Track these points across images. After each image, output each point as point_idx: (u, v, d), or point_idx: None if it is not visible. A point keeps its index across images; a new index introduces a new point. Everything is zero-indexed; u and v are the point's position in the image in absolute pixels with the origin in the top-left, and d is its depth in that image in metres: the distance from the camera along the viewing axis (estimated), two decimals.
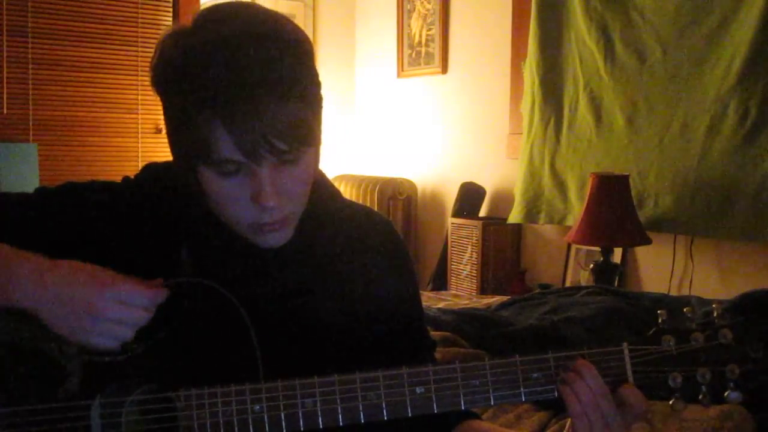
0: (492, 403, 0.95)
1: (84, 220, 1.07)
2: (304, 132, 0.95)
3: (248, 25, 0.94)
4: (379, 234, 1.16)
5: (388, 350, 1.12)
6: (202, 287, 0.99)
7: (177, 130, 0.98)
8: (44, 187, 1.11)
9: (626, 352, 0.96)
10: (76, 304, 0.93)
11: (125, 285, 0.94)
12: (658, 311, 0.98)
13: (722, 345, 0.94)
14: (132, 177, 1.14)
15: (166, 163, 1.13)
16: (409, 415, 0.95)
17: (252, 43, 0.92)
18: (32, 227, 1.06)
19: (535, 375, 0.96)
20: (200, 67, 0.92)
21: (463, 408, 0.96)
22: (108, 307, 0.93)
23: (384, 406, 0.95)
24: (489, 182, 4.02)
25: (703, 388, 0.94)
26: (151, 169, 1.14)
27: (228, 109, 0.90)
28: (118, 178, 1.17)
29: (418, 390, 0.95)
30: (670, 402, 0.95)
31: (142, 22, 4.27)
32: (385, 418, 0.95)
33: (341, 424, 0.94)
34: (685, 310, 0.96)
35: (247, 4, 1.00)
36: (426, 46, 4.42)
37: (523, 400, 0.96)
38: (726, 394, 0.94)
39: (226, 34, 0.92)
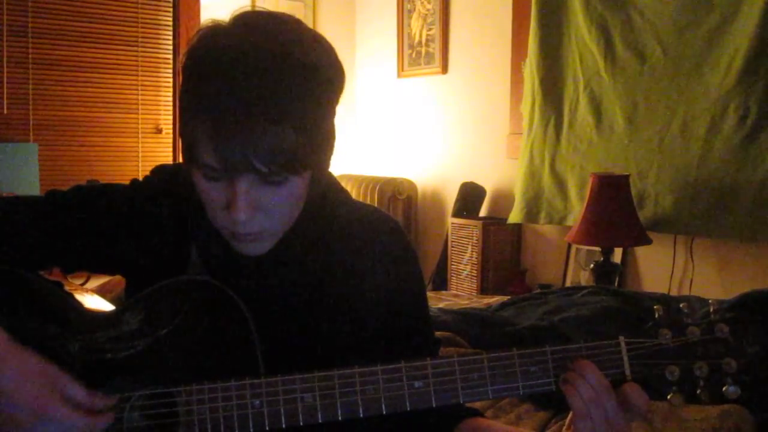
0: (490, 396, 0.96)
1: (95, 222, 1.08)
2: (291, 159, 0.92)
3: (270, 41, 0.93)
4: (386, 234, 1.16)
5: (392, 349, 1.12)
6: (205, 285, 1.00)
7: (180, 126, 0.98)
8: (55, 190, 1.12)
9: (623, 345, 0.97)
10: (18, 415, 0.90)
11: (63, 411, 0.91)
12: (654, 306, 0.98)
13: (718, 339, 0.95)
14: (140, 179, 1.14)
15: (174, 165, 1.15)
16: (408, 409, 0.95)
17: (262, 61, 0.91)
18: (44, 230, 1.07)
19: (532, 368, 0.96)
20: (204, 74, 0.92)
21: (461, 401, 0.96)
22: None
23: (383, 400, 0.95)
24: (489, 182, 4.02)
25: (701, 381, 0.94)
26: (160, 171, 1.15)
27: (215, 121, 0.90)
28: (118, 178, 1.18)
29: (417, 384, 0.95)
30: (668, 396, 0.95)
31: (142, 22, 4.28)
32: (384, 412, 0.95)
33: (340, 418, 0.95)
34: (681, 305, 0.96)
35: (287, 19, 0.98)
36: (426, 46, 4.43)
37: (521, 393, 0.96)
38: (724, 388, 0.94)
39: (241, 46, 0.92)
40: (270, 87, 0.90)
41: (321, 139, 0.98)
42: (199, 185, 0.97)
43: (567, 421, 1.00)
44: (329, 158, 1.02)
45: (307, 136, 0.94)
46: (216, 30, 0.95)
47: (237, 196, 0.93)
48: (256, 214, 0.95)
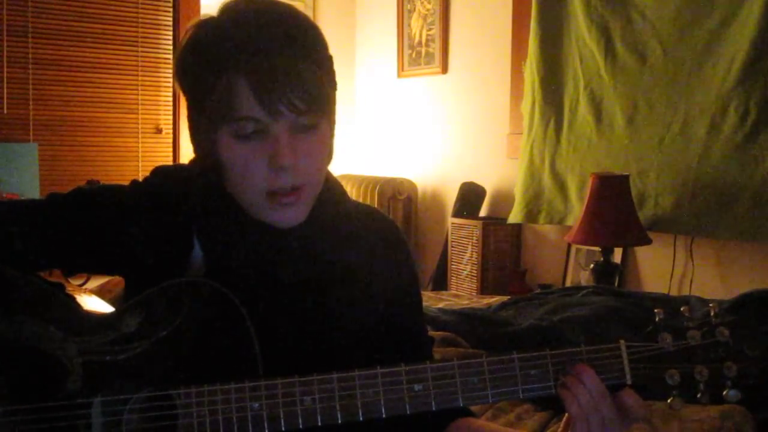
0: (490, 400, 0.96)
1: (96, 223, 1.08)
2: (321, 96, 1.00)
3: (268, 5, 1.03)
4: (382, 233, 1.17)
5: (387, 348, 1.13)
6: (204, 287, 1.00)
7: (199, 98, 1.01)
8: (55, 193, 1.12)
9: (623, 349, 0.96)
10: None
11: None
12: (655, 310, 0.97)
13: (719, 343, 0.95)
14: (140, 180, 1.14)
15: (174, 166, 1.16)
16: (408, 412, 0.95)
17: (272, 14, 1.01)
18: (45, 232, 1.08)
19: (533, 372, 0.96)
20: (224, 35, 0.99)
21: (461, 405, 0.96)
22: None
23: (382, 403, 0.95)
24: (489, 182, 4.02)
25: (701, 386, 0.94)
26: (160, 171, 1.15)
27: (251, 65, 0.96)
28: (118, 178, 1.19)
29: (417, 387, 0.95)
30: (669, 400, 0.95)
31: (142, 22, 4.28)
32: (384, 415, 0.95)
33: (340, 421, 0.95)
34: (682, 309, 0.96)
35: None
36: (426, 46, 4.43)
37: (521, 397, 0.96)
38: (725, 392, 0.94)
39: (248, 10, 1.01)
40: (290, 31, 1.00)
41: (335, 87, 1.07)
42: (230, 151, 1.00)
43: (562, 423, 1.00)
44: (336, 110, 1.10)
45: (327, 75, 1.04)
46: (210, 18, 1.03)
47: (280, 142, 0.98)
48: (297, 161, 0.99)
